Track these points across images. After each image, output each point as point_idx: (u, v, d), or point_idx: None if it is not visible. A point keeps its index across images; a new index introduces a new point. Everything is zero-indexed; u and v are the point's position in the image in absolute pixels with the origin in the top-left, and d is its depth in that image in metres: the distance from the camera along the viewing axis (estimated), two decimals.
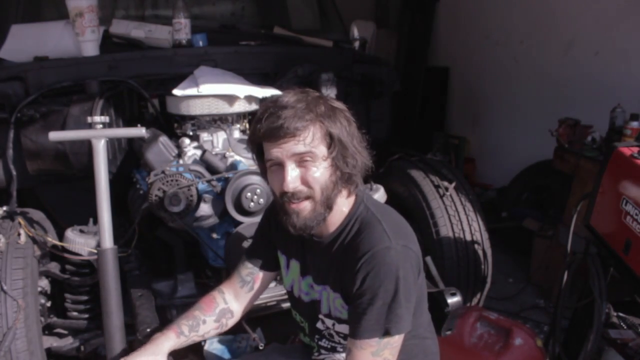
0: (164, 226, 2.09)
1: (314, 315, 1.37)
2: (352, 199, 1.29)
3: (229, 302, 1.44)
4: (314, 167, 1.16)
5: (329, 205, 1.20)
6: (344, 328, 1.32)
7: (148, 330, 1.69)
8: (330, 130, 1.16)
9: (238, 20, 3.13)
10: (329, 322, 1.35)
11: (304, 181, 1.17)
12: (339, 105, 1.23)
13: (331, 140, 1.17)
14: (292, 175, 1.16)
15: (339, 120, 1.18)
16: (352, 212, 1.26)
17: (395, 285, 1.15)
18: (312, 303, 1.37)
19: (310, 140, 1.14)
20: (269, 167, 1.22)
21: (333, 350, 1.40)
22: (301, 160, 1.16)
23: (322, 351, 1.42)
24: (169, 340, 1.32)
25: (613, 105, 2.72)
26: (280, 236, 1.39)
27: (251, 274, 1.44)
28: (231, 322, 1.45)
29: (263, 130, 1.16)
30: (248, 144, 1.29)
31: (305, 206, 1.19)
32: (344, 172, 1.19)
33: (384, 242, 1.18)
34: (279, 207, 1.24)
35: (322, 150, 1.16)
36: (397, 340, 1.20)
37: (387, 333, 1.17)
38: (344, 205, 1.26)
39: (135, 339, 1.79)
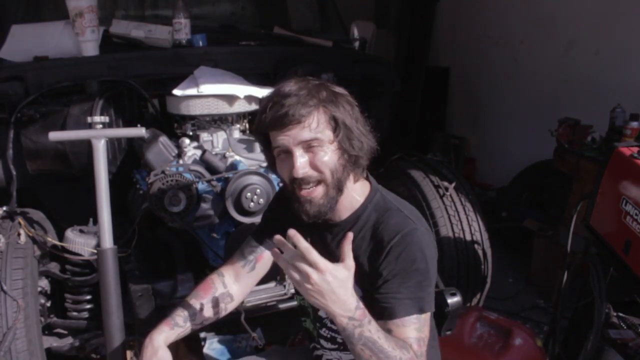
0: (164, 226, 2.09)
1: None
2: (366, 187, 1.31)
3: (228, 285, 1.42)
4: (322, 151, 1.18)
5: (340, 188, 1.22)
6: None
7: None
8: (334, 114, 1.18)
9: (238, 20, 3.14)
10: None
11: (313, 166, 1.19)
12: (341, 90, 1.25)
13: (336, 124, 1.18)
14: (301, 161, 1.17)
15: (341, 105, 1.20)
16: (369, 199, 1.29)
17: (425, 263, 1.20)
18: None
19: (315, 125, 1.16)
20: (277, 156, 1.23)
21: (333, 340, 1.39)
22: (308, 146, 1.18)
23: (322, 341, 1.42)
24: (162, 333, 1.30)
25: (613, 105, 2.71)
26: (288, 218, 1.39)
27: (254, 252, 1.43)
28: (231, 307, 1.43)
29: (268, 120, 1.18)
30: (254, 135, 1.30)
31: (319, 192, 1.20)
32: (351, 154, 1.21)
33: (409, 224, 1.22)
34: (290, 195, 1.25)
35: (327, 134, 1.18)
36: (429, 317, 1.24)
37: (422, 310, 1.20)
38: (354, 190, 1.28)
39: (136, 339, 1.80)
